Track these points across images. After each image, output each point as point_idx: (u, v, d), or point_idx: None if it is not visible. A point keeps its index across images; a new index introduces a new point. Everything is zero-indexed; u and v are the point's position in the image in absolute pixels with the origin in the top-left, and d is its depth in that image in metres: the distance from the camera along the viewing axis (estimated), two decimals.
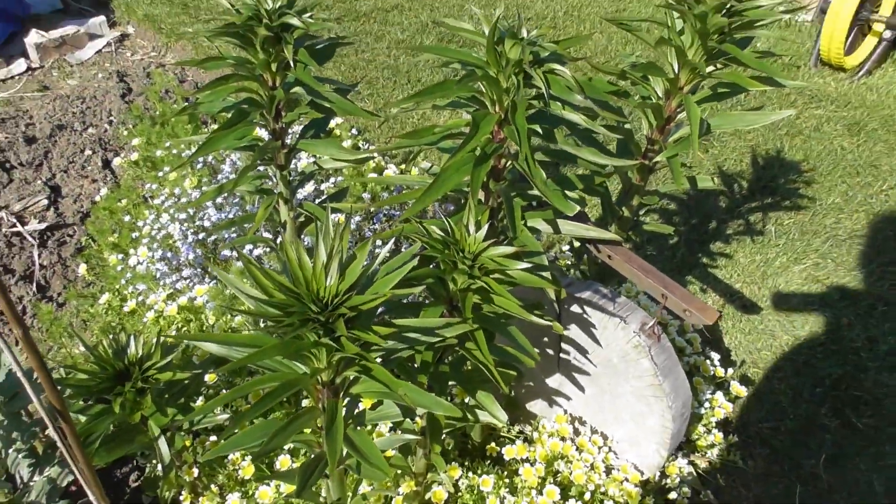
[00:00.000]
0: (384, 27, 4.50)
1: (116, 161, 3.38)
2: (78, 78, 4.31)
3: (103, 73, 4.30)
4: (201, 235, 2.56)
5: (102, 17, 4.74)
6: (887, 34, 3.91)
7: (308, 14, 1.67)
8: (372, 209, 2.60)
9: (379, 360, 1.20)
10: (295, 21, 1.62)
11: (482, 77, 1.27)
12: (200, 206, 2.74)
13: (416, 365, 1.34)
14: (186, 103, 3.56)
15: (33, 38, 4.40)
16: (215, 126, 3.43)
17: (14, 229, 3.08)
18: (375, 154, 2.65)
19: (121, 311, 2.61)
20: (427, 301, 1.40)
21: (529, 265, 1.25)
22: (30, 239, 3.03)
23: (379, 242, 1.95)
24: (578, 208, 1.29)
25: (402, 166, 3.08)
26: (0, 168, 3.36)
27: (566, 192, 1.33)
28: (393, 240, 1.52)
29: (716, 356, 2.17)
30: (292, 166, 1.95)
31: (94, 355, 1.60)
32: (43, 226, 3.10)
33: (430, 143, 1.37)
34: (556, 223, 1.41)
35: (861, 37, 4.06)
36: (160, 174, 3.04)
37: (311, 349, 1.16)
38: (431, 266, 1.35)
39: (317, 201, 2.58)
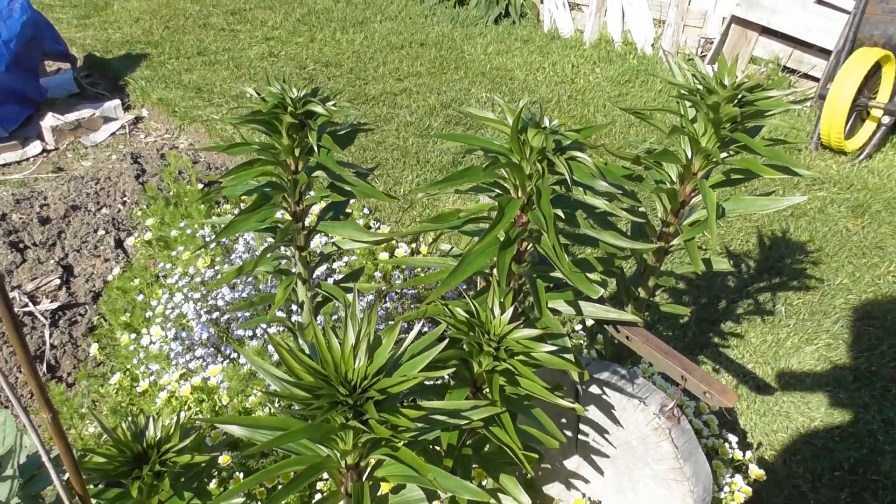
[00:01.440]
0: (393, 110, 4.63)
1: (129, 241, 3.43)
2: (92, 159, 4.40)
3: (117, 155, 4.40)
4: (215, 315, 2.57)
5: (117, 101, 4.88)
6: (886, 119, 4.02)
7: (331, 102, 1.73)
8: (384, 288, 2.62)
9: (403, 442, 1.20)
10: (319, 109, 1.68)
11: (506, 164, 1.31)
12: (214, 286, 2.76)
13: (441, 447, 1.33)
14: (202, 185, 3.63)
15: (49, 121, 4.52)
16: (227, 206, 3.49)
17: (26, 309, 3.09)
18: (394, 236, 2.68)
19: (132, 391, 2.60)
20: (451, 382, 1.40)
21: (555, 348, 1.26)
22: (41, 319, 3.04)
23: (404, 325, 1.95)
24: (602, 291, 1.31)
25: (413, 245, 3.12)
26: (14, 248, 3.40)
27: (587, 274, 1.35)
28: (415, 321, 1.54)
29: (733, 438, 2.15)
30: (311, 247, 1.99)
31: (113, 438, 1.58)
32: (55, 305, 3.11)
33: (454, 227, 1.41)
34: (578, 305, 1.43)
35: (860, 121, 4.18)
36: (174, 253, 3.08)
37: (338, 432, 1.16)
38: (455, 347, 1.36)
39: (330, 280, 2.60)
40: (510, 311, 1.27)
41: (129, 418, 1.64)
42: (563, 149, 1.30)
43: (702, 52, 5.18)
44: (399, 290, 2.81)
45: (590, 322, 2.55)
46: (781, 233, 3.34)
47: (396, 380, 1.13)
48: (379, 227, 3.38)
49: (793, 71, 4.74)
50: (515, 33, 5.96)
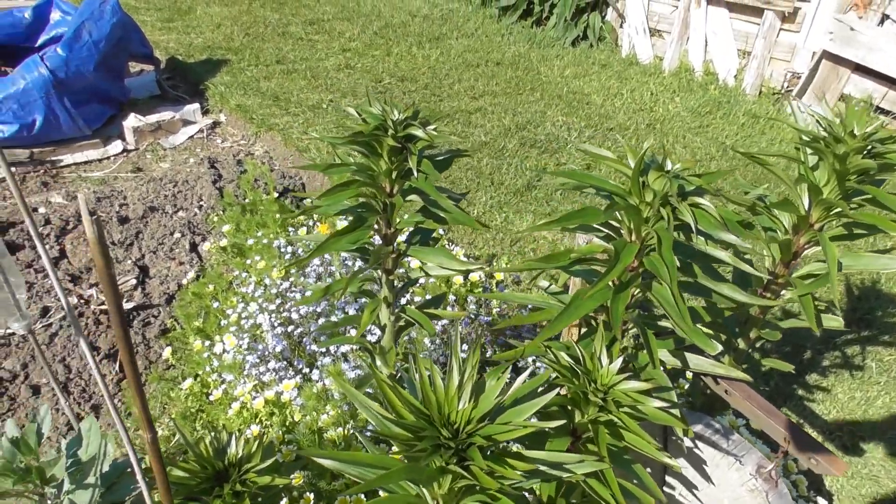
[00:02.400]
0: (467, 129, 4.60)
1: (205, 246, 3.46)
2: (170, 161, 4.48)
3: (195, 159, 4.47)
4: (289, 328, 2.56)
5: (196, 105, 4.96)
6: None
7: (432, 126, 1.70)
8: (469, 316, 2.58)
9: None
10: (420, 133, 1.65)
11: (623, 206, 1.25)
12: (288, 298, 2.76)
13: (537, 497, 1.28)
14: (278, 194, 3.66)
15: (131, 121, 4.62)
16: (302, 217, 3.50)
17: (102, 307, 3.13)
18: (495, 270, 2.66)
19: (202, 397, 2.61)
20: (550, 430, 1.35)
21: (665, 403, 1.19)
22: None
23: (503, 366, 1.91)
24: (720, 348, 1.24)
25: (486, 269, 3.07)
26: None
27: (701, 327, 1.28)
28: (487, 350, 1.48)
29: (822, 501, 2.04)
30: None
31: (195, 453, 1.57)
32: (130, 305, 3.15)
33: (562, 267, 1.35)
34: (684, 356, 1.36)
35: None
36: (248, 262, 3.09)
37: (438, 476, 1.12)
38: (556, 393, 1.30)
39: (406, 301, 2.57)
40: (619, 361, 1.21)
41: (212, 434, 1.63)
42: (686, 194, 1.24)
43: (788, 86, 5.03)
44: (473, 315, 2.77)
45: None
46: (871, 283, 3.19)
47: (503, 428, 1.08)
48: (453, 249, 3.34)
49: (886, 112, 4.56)
50: (593, 57, 5.89)
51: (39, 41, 4.94)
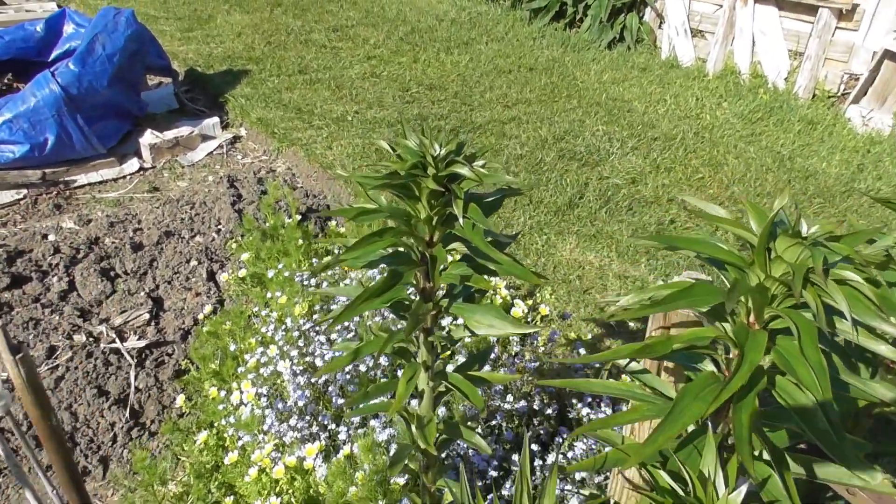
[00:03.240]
0: (501, 140, 4.31)
1: (223, 277, 3.21)
2: (188, 180, 4.25)
3: (214, 177, 4.23)
4: (314, 380, 2.29)
5: (216, 119, 4.73)
6: None
7: (480, 162, 1.42)
8: (518, 383, 2.29)
9: None
10: (465, 172, 1.37)
11: (746, 289, 0.95)
12: (311, 339, 2.49)
13: None
14: (301, 216, 3.40)
15: (148, 138, 4.39)
16: (325, 240, 3.23)
17: (113, 345, 2.89)
18: (539, 326, 2.38)
19: (217, 451, 2.35)
20: None
21: None
22: (128, 358, 2.84)
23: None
24: (881, 476, 0.94)
25: (529, 301, 2.78)
26: (105, 276, 3.22)
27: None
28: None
29: None
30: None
31: None
32: (142, 343, 2.90)
33: (663, 357, 1.06)
34: (813, 468, 1.06)
35: None
36: (269, 295, 2.83)
37: None
38: None
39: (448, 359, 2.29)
40: (744, 489, 0.92)
41: None
42: (828, 267, 0.94)
43: (844, 89, 4.68)
44: (512, 356, 2.49)
45: None
46: None
47: None
48: (491, 281, 3.05)
49: None
50: (631, 60, 5.57)
51: (52, 55, 4.73)
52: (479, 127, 4.50)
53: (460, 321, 1.56)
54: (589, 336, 2.66)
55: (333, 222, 3.62)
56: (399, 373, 2.28)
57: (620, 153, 4.14)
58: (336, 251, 2.76)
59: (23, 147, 3.98)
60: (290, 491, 2.01)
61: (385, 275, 1.40)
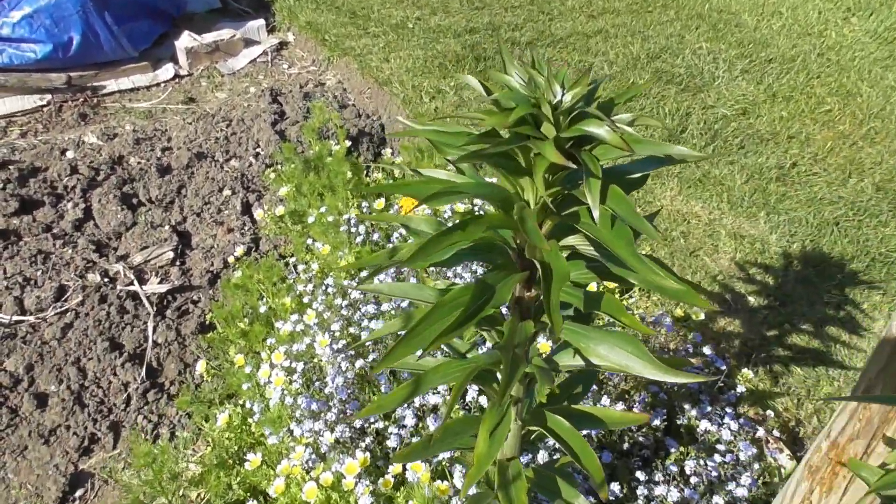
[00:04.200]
0: (585, 57, 3.69)
1: (259, 212, 2.75)
2: (227, 91, 3.76)
3: (255, 88, 3.73)
4: (359, 363, 1.84)
5: (262, 21, 4.19)
6: None
7: (626, 116, 0.90)
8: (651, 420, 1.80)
9: None
10: (603, 133, 0.85)
11: None
12: (356, 304, 2.03)
13: None
14: (350, 142, 2.89)
15: (185, 41, 3.89)
16: (379, 175, 2.74)
17: (130, 288, 2.49)
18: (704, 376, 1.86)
19: (241, 433, 1.96)
20: None
21: None
22: (147, 305, 2.44)
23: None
24: None
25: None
26: (125, 204, 2.80)
27: None
28: None
29: None
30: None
31: None
32: (164, 288, 2.50)
33: None
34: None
35: None
36: (309, 242, 2.37)
37: None
38: None
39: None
40: None
41: None
42: None
43: None
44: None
45: None
46: None
47: None
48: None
49: None
50: None
51: None
52: (560, 41, 3.86)
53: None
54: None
55: (388, 150, 3.11)
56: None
57: (727, 77, 3.49)
58: (395, 239, 2.27)
59: (45, 46, 3.52)
60: None
61: (468, 288, 0.91)
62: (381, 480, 1.53)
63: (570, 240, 0.97)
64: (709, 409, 1.76)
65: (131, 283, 2.51)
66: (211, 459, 1.90)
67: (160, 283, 2.54)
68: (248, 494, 1.80)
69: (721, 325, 2.15)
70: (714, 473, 1.62)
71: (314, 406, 1.66)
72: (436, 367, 1.07)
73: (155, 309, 2.44)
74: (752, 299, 2.27)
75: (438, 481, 1.50)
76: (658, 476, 1.60)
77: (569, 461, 1.36)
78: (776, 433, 1.80)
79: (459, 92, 3.31)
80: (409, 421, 1.67)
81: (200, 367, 2.16)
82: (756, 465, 1.68)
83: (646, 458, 1.73)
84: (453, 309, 0.93)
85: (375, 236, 2.28)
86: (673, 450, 1.73)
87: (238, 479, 1.82)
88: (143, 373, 2.27)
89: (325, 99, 3.49)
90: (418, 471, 1.50)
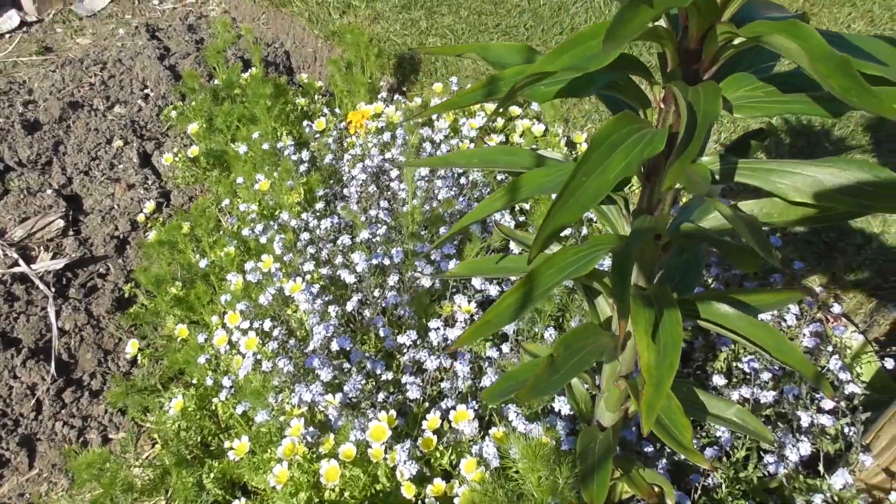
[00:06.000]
0: None
1: (164, 159, 2.27)
2: (91, 35, 3.17)
3: (125, 29, 3.16)
4: (344, 305, 1.46)
5: None
6: None
7: None
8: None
9: None
10: None
11: None
12: (329, 239, 1.64)
13: None
14: (267, 70, 2.43)
15: None
16: (318, 98, 2.32)
17: (16, 270, 1.98)
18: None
19: (202, 419, 1.55)
20: None
21: None
22: (42, 287, 1.94)
23: None
24: None
25: None
26: None
27: None
28: None
29: None
30: None
31: None
32: (60, 264, 2.00)
33: None
34: None
35: None
36: (241, 180, 1.94)
37: None
38: None
39: None
40: None
41: None
42: None
43: None
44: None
45: None
46: None
47: None
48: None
49: None
50: None
51: None
52: None
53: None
54: None
55: (304, 75, 2.67)
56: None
57: None
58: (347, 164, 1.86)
59: None
60: (349, 496, 1.23)
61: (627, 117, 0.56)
62: (419, 440, 1.18)
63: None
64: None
65: (15, 264, 2.00)
66: (165, 459, 1.48)
67: (53, 258, 2.03)
68: (229, 493, 1.40)
69: None
70: None
71: (316, 363, 1.27)
72: (553, 257, 0.72)
73: (54, 290, 1.95)
74: None
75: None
76: None
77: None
78: (837, 308, 1.58)
79: (372, 3, 2.89)
80: (431, 364, 1.31)
81: (131, 348, 1.71)
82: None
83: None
84: (617, 145, 0.58)
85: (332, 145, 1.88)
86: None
87: (212, 475, 1.41)
88: (53, 369, 1.79)
89: (225, 19, 2.98)
90: (465, 418, 1.15)
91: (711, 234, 0.75)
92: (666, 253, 0.80)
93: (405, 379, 1.34)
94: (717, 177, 0.71)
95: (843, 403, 1.32)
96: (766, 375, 1.39)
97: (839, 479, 1.15)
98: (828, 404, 1.32)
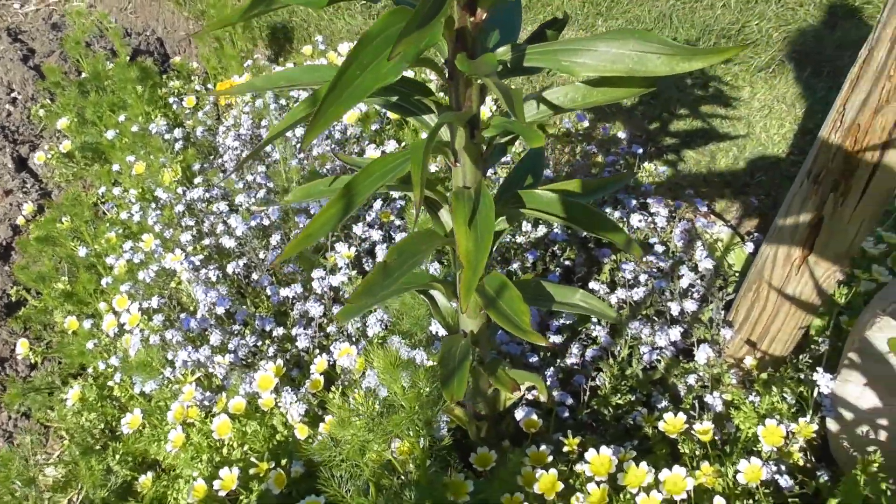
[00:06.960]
0: None
1: (39, 158, 2.20)
2: None
3: None
4: (228, 268, 1.46)
5: None
6: None
7: None
8: None
9: None
10: None
11: None
12: (209, 211, 1.63)
13: None
14: (130, 56, 2.37)
15: None
16: (180, 82, 2.29)
17: None
18: None
19: (104, 406, 1.53)
20: None
21: None
22: None
23: None
24: None
25: None
26: None
27: None
28: None
29: None
30: None
31: None
32: None
33: None
34: None
35: None
36: (116, 167, 1.90)
37: None
38: None
39: None
40: None
41: None
42: None
43: None
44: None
45: None
46: None
47: None
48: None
49: None
50: None
51: None
52: None
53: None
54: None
55: (177, 58, 2.62)
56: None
57: None
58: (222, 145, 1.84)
59: None
60: (248, 451, 1.24)
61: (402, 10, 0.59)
62: (307, 383, 1.20)
63: None
64: (633, 202, 1.58)
65: None
66: (72, 451, 1.47)
67: None
68: (137, 471, 1.40)
69: (600, 131, 1.98)
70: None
71: (192, 324, 1.27)
72: (369, 166, 0.75)
73: None
74: (625, 101, 2.11)
75: None
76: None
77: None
78: (704, 207, 1.66)
79: None
80: (317, 311, 1.34)
81: (21, 348, 1.67)
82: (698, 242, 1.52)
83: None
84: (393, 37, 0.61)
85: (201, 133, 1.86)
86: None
87: (117, 457, 1.41)
88: None
89: (81, 7, 2.88)
90: (347, 353, 1.18)
91: (511, 122, 0.79)
92: (489, 150, 0.84)
93: (295, 331, 1.36)
94: (509, 66, 0.74)
95: (712, 290, 1.40)
96: (643, 277, 1.46)
97: (702, 355, 1.23)
98: (697, 294, 1.40)
